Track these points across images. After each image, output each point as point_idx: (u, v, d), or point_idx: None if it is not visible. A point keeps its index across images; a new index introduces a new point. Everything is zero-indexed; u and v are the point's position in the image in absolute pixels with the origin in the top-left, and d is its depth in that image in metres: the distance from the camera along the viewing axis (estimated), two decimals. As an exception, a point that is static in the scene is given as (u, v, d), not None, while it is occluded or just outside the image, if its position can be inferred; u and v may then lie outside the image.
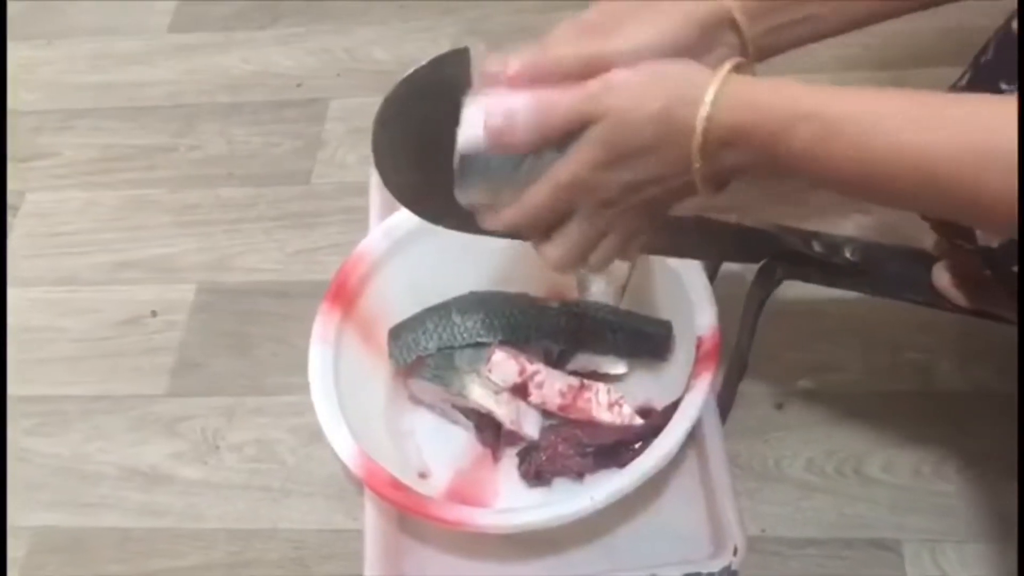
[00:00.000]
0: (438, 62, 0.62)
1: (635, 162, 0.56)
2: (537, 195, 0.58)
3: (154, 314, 1.00)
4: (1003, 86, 0.60)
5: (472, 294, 0.83)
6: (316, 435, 0.77)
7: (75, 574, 0.85)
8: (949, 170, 0.48)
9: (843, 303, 0.82)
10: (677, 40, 0.58)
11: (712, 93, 0.53)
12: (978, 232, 0.62)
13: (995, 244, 0.61)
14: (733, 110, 0.53)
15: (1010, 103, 0.48)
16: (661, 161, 0.55)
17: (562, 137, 0.56)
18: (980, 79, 0.62)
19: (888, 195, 0.53)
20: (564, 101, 0.56)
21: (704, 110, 0.53)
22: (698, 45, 0.59)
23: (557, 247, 0.60)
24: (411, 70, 0.62)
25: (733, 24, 0.60)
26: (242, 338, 0.97)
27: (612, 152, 0.55)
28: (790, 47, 0.64)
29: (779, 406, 0.86)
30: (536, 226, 0.60)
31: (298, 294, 0.98)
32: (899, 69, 1.05)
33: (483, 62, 0.61)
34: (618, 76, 0.55)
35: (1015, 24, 0.59)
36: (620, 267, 0.85)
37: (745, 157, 0.55)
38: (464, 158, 0.59)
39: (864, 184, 0.52)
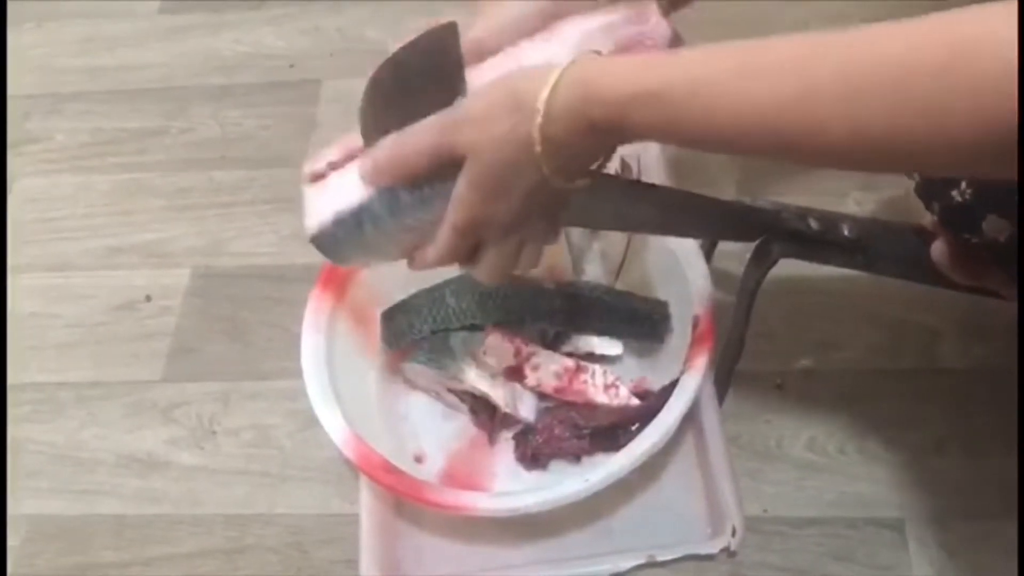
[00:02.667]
0: (425, 38, 0.61)
1: (512, 185, 0.57)
2: (443, 241, 0.61)
3: (148, 299, 0.99)
4: None
5: (466, 275, 0.82)
6: (313, 420, 0.77)
7: (72, 561, 0.84)
8: (789, 121, 0.47)
9: (843, 281, 0.81)
10: None
11: (543, 101, 0.53)
12: (984, 225, 0.61)
13: (1002, 238, 0.61)
14: (569, 110, 0.53)
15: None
16: (530, 173, 0.56)
17: (432, 171, 0.58)
18: None
19: (750, 151, 0.52)
20: (417, 139, 0.59)
21: (538, 119, 0.53)
22: None
23: (483, 271, 0.63)
24: (397, 47, 0.61)
25: None
26: (237, 323, 0.97)
27: (488, 186, 0.57)
28: None
29: (779, 385, 0.85)
30: (457, 261, 0.63)
31: (293, 278, 0.97)
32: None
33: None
34: (463, 109, 0.57)
35: None
36: (615, 248, 0.85)
37: (592, 147, 0.56)
38: (316, 241, 0.64)
39: (723, 145, 0.52)
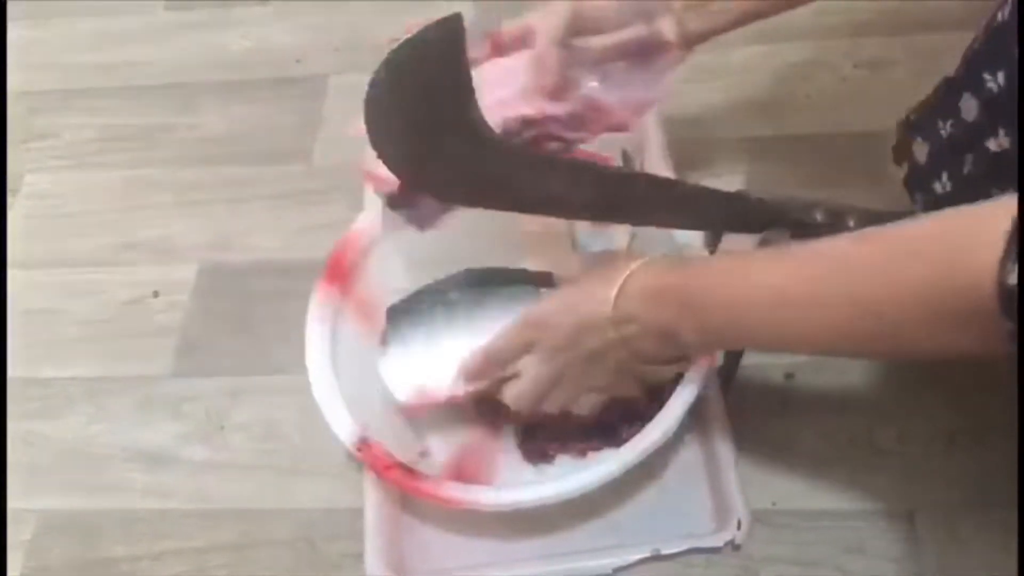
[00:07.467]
0: (431, 30, 0.61)
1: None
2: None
3: (156, 294, 0.99)
4: (986, 77, 0.59)
5: (469, 271, 0.82)
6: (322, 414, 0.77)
7: (82, 557, 0.85)
8: (810, 344, 0.63)
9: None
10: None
11: (611, 303, 0.65)
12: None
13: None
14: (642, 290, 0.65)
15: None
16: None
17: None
18: (970, 72, 0.62)
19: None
20: (504, 340, 0.73)
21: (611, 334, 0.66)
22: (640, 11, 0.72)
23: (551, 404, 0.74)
24: (400, 41, 0.61)
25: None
26: (245, 317, 0.97)
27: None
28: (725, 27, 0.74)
29: (789, 376, 0.85)
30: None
31: (301, 273, 0.96)
32: (910, 34, 1.04)
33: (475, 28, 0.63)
34: (542, 314, 0.71)
35: (1002, 13, 0.58)
36: (619, 242, 0.85)
37: (666, 328, 0.65)
38: None
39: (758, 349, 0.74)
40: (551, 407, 0.73)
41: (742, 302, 0.60)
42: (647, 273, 0.65)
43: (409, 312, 0.81)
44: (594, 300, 0.66)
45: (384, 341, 0.80)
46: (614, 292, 0.65)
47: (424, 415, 0.81)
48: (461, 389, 0.76)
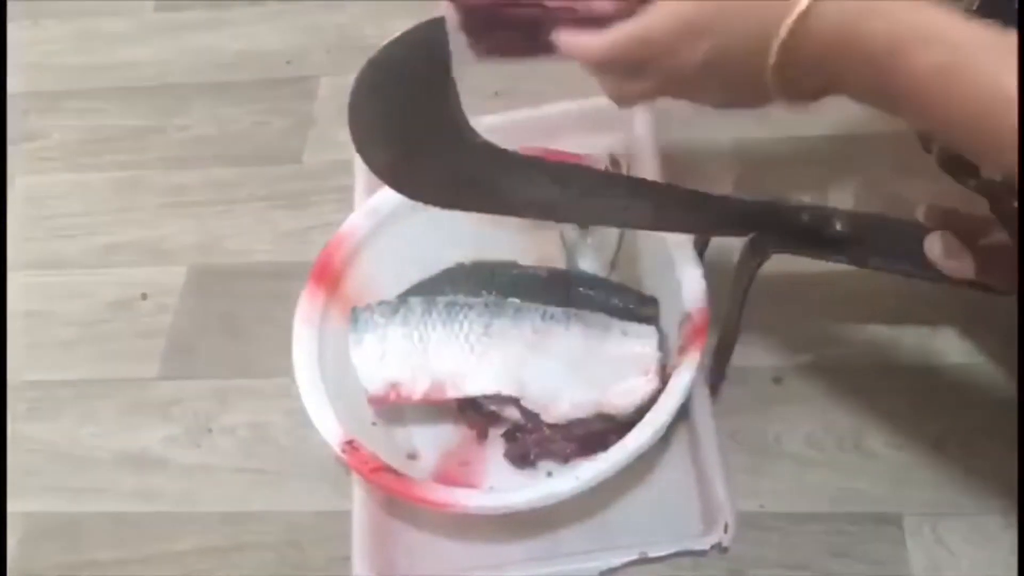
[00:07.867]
0: (413, 34, 0.61)
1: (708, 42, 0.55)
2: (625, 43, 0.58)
3: (145, 297, 0.99)
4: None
5: (460, 265, 0.82)
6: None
7: (69, 560, 0.85)
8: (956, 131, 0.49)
9: (842, 275, 0.79)
10: None
11: (787, 27, 0.51)
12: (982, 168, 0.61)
13: (998, 178, 0.61)
14: (834, 24, 0.51)
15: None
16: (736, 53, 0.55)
17: None
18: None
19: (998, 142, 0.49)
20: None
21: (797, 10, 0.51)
22: None
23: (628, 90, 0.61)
24: (383, 45, 0.61)
25: None
26: (234, 320, 0.96)
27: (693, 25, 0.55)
28: None
29: (778, 380, 0.84)
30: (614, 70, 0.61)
31: (290, 275, 0.96)
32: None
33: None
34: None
35: None
36: (608, 243, 0.85)
37: (835, 74, 0.52)
38: None
39: (980, 125, 0.49)
40: (621, 92, 0.62)
41: (989, 111, 0.47)
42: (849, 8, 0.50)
43: (390, 306, 0.81)
44: (767, 13, 0.52)
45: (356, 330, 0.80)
46: (795, 13, 0.51)
47: (385, 406, 0.80)
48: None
